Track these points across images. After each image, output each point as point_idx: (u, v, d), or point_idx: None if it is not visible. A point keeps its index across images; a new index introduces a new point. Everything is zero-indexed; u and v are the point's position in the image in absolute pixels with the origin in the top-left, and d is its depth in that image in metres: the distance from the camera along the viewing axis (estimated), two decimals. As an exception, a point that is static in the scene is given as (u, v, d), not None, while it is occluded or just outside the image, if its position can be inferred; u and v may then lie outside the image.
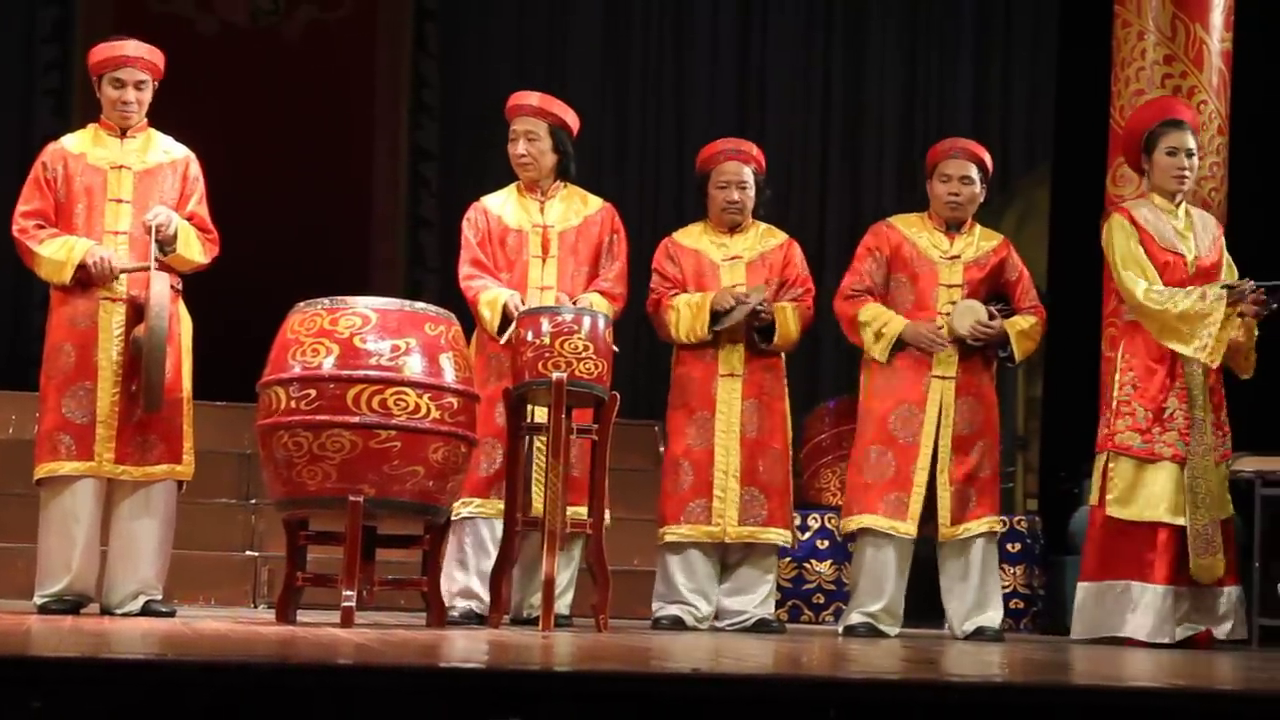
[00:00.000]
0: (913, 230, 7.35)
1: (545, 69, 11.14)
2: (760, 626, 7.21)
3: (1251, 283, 6.94)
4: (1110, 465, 7.03)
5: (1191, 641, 6.97)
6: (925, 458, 7.13)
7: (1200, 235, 7.13)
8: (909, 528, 7.13)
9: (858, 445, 7.29)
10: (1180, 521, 6.91)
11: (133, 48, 6.77)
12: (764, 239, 7.43)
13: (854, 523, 7.19)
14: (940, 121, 11.41)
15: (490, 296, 6.95)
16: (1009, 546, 8.29)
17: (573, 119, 7.22)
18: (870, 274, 7.32)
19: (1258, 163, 8.58)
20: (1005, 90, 11.64)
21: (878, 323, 7.21)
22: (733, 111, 11.35)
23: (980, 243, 7.33)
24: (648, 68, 11.53)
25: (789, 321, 7.26)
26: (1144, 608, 6.94)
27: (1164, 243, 7.06)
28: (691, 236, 7.46)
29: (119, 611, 6.55)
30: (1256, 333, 7.06)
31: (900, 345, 7.18)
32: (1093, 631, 7.03)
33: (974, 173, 7.29)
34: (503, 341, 6.85)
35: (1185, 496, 6.91)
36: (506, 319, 6.86)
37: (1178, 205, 7.15)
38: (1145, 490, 6.97)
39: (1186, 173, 7.11)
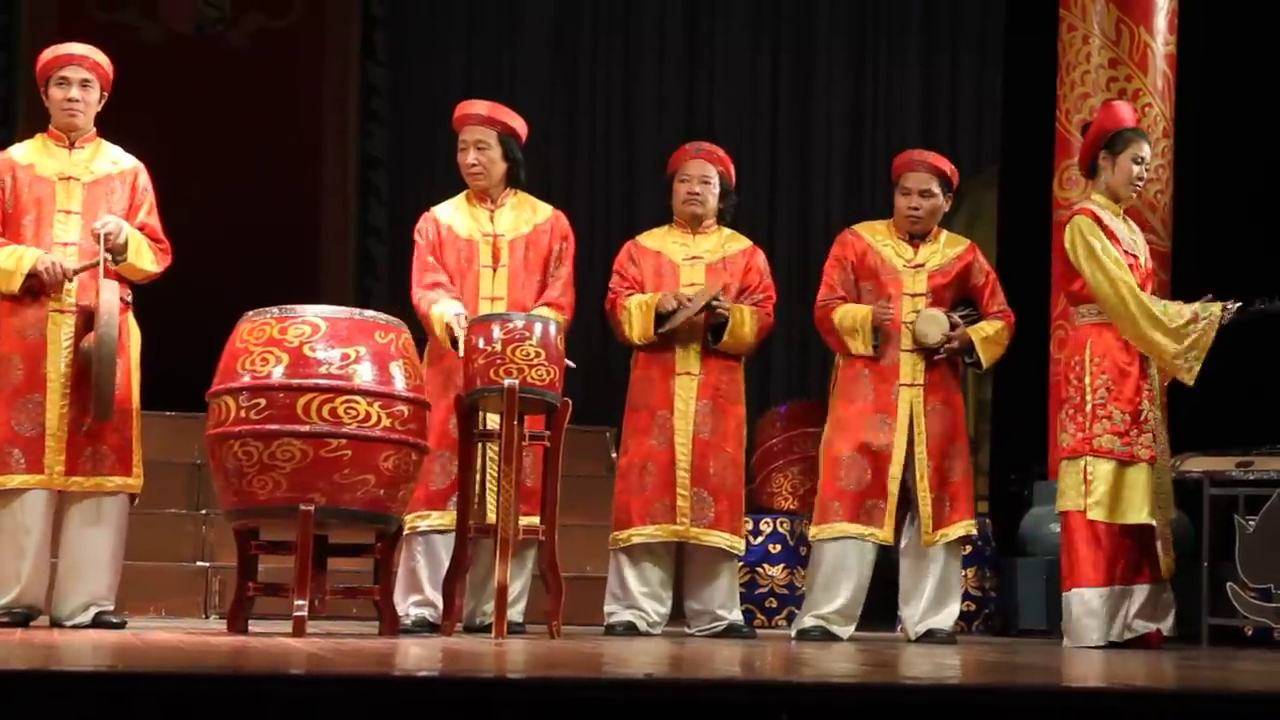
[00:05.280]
0: (877, 239, 7.37)
1: (494, 76, 11.13)
2: (731, 631, 7.21)
3: (1234, 305, 6.96)
4: (1089, 469, 6.99)
5: (1143, 641, 7.01)
6: (898, 465, 7.15)
7: (1136, 240, 7.19)
8: (885, 535, 7.14)
9: (830, 453, 7.28)
10: (1154, 521, 6.98)
11: (76, 47, 6.76)
12: (727, 243, 7.44)
13: (830, 530, 7.18)
14: (889, 126, 11.45)
15: (438, 314, 6.89)
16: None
17: (521, 126, 7.21)
18: (840, 284, 7.35)
19: (1202, 165, 8.63)
20: (952, 94, 11.68)
21: (849, 319, 7.22)
22: (681, 118, 11.36)
23: (945, 249, 7.36)
24: (596, 74, 11.54)
25: (744, 322, 7.25)
26: (1136, 608, 7.00)
27: (1129, 246, 7.10)
28: (654, 238, 7.47)
29: (69, 623, 6.51)
30: None
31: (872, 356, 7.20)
32: (1104, 637, 6.95)
33: (935, 186, 7.31)
34: (456, 350, 6.84)
35: (1151, 498, 6.98)
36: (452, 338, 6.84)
37: (1122, 210, 7.20)
38: (1128, 493, 6.99)
39: (1141, 183, 7.18)
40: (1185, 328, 6.93)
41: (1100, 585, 6.97)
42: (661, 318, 7.19)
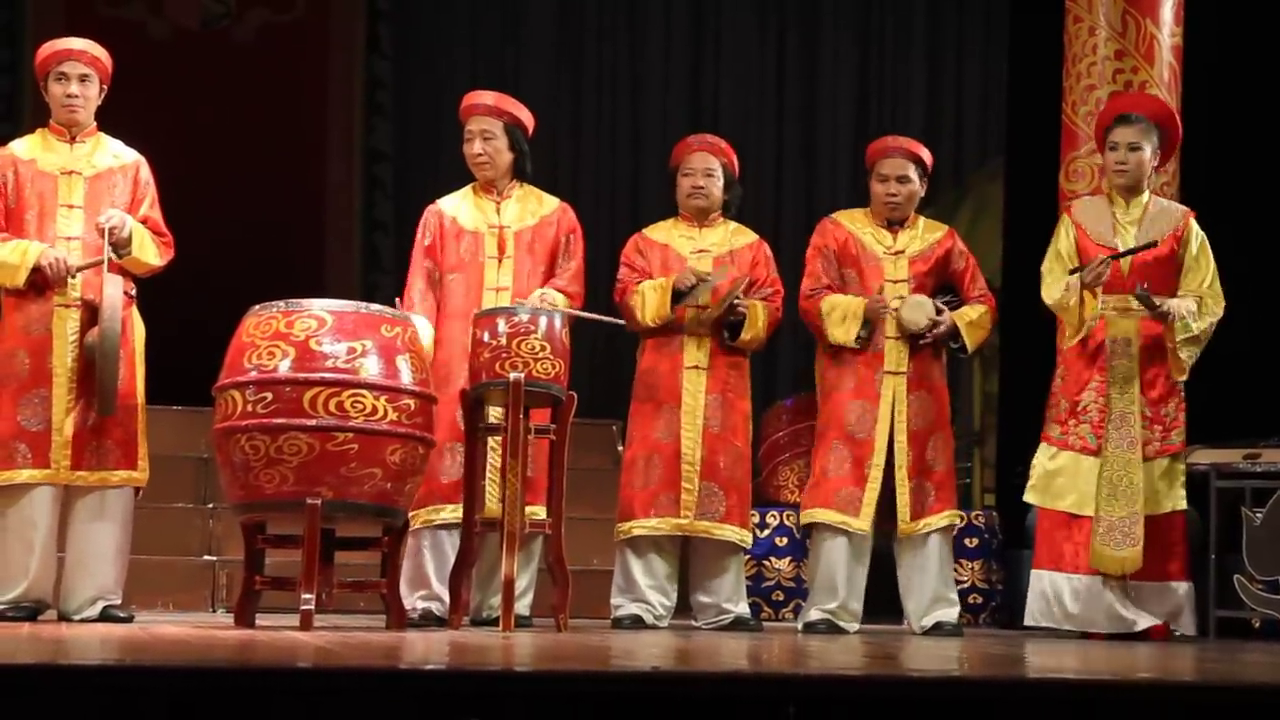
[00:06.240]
0: (857, 226, 7.38)
1: (498, 69, 11.13)
2: (738, 624, 7.22)
3: (1102, 257, 6.99)
4: (1036, 454, 7.18)
5: (1147, 634, 7.01)
6: (880, 454, 7.16)
7: (1149, 227, 7.16)
8: (861, 523, 7.15)
9: (818, 441, 7.32)
10: (1087, 513, 6.98)
11: (76, 42, 6.77)
12: (734, 236, 7.45)
13: (808, 516, 7.25)
14: (894, 117, 11.44)
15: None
16: (966, 541, 8.31)
17: (527, 117, 7.21)
18: (824, 272, 7.36)
19: (1209, 158, 8.62)
20: (958, 86, 11.68)
21: (840, 308, 7.23)
22: (687, 110, 11.37)
23: (924, 235, 7.37)
24: (602, 66, 11.54)
25: (759, 319, 7.27)
26: (1072, 597, 7.00)
27: (1097, 238, 7.14)
28: (661, 231, 7.48)
29: (77, 617, 6.52)
30: (1186, 335, 7.04)
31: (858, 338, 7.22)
32: (1043, 619, 7.05)
33: (911, 171, 7.32)
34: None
35: (1102, 489, 6.98)
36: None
37: (1135, 197, 7.19)
38: (1060, 480, 7.07)
39: (1124, 166, 7.16)
40: (1066, 309, 7.07)
41: (1041, 568, 7.11)
42: (679, 294, 7.19)
